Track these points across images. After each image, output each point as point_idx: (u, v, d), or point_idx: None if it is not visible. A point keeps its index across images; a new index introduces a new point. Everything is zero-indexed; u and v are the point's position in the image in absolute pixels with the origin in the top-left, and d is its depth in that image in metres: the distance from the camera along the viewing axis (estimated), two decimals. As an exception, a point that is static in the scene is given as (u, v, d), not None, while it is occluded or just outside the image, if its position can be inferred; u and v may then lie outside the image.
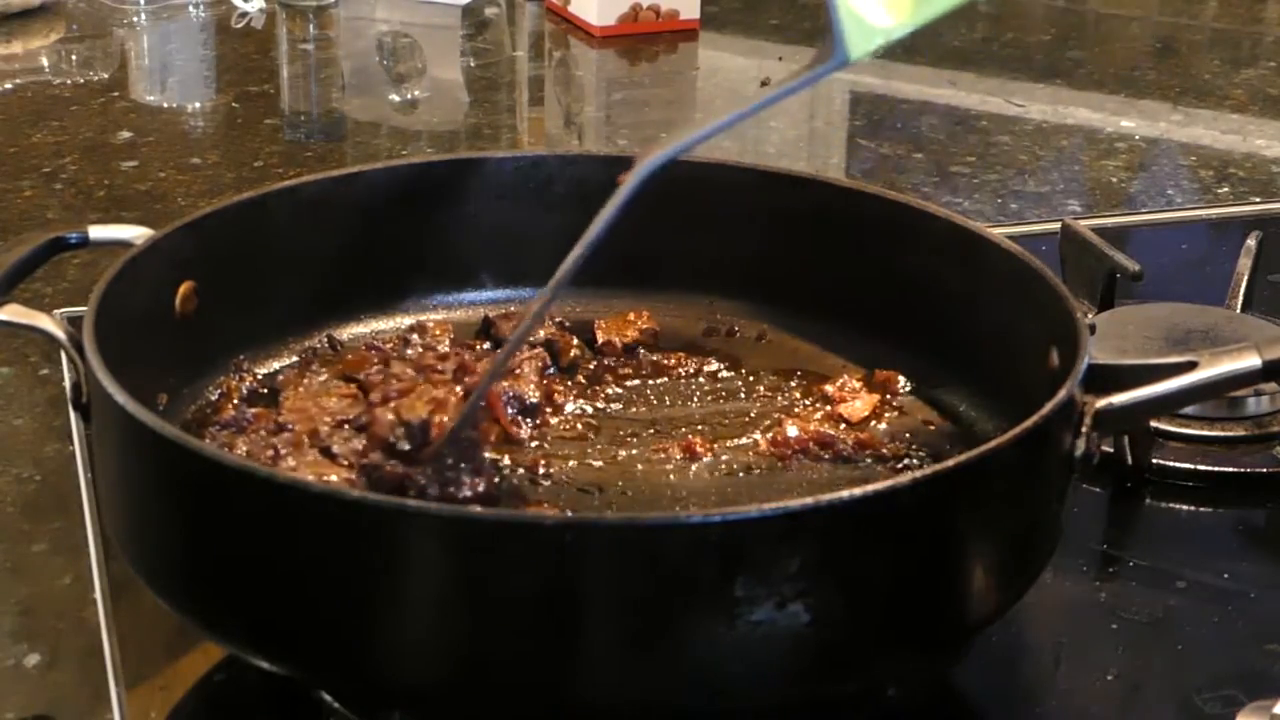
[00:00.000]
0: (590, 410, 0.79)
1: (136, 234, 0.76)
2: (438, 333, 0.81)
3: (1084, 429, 0.65)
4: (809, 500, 0.58)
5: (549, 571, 0.56)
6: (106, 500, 0.68)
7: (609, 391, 0.81)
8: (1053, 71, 1.52)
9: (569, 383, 0.81)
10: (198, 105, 1.41)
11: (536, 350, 0.81)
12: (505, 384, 0.77)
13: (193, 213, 0.78)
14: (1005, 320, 0.75)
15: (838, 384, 0.80)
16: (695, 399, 0.80)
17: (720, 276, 0.86)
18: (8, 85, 1.41)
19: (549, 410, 0.78)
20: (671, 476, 0.74)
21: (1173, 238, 1.14)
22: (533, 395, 0.77)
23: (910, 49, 1.58)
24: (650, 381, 0.82)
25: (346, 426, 0.70)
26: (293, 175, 1.04)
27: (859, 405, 0.78)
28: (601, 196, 0.86)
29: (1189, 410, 0.85)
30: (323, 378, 0.77)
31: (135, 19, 1.60)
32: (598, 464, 0.75)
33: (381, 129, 1.37)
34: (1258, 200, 1.22)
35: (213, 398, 0.77)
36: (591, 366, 0.83)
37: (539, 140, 1.38)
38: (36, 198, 1.16)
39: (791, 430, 0.76)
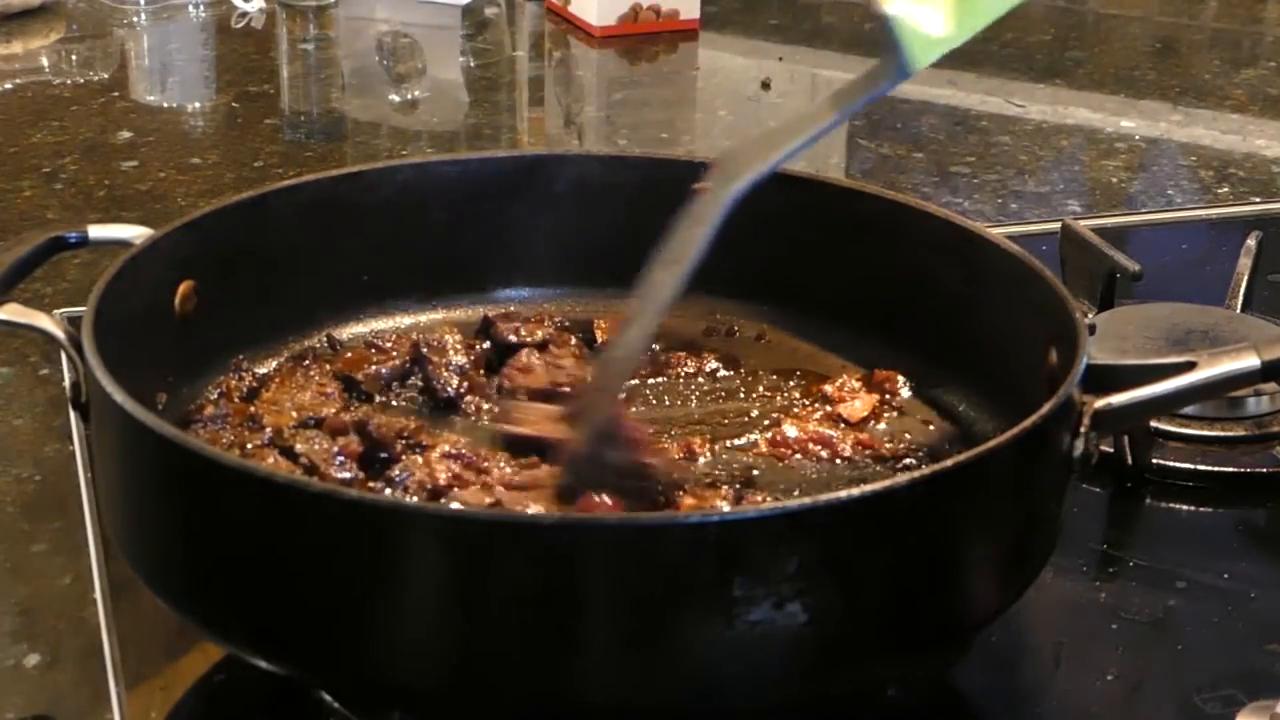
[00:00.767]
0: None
1: (136, 234, 0.76)
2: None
3: (1083, 429, 0.65)
4: (807, 500, 0.58)
5: (547, 571, 0.56)
6: (106, 500, 0.68)
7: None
8: (1053, 71, 1.52)
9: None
10: (198, 105, 1.41)
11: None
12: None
13: (192, 212, 0.78)
14: (1005, 320, 0.75)
15: (837, 384, 0.80)
16: (694, 399, 0.80)
17: (720, 276, 0.85)
18: (8, 85, 1.41)
19: None
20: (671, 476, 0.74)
21: (1173, 238, 1.14)
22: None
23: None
24: (649, 381, 0.82)
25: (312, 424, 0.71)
26: (293, 175, 1.04)
27: (858, 405, 0.78)
28: (601, 196, 0.86)
29: (1189, 410, 0.85)
30: (312, 374, 0.77)
31: (135, 19, 1.60)
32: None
33: (381, 129, 1.37)
34: (1258, 200, 1.22)
35: (212, 397, 0.77)
36: None
37: (539, 140, 1.38)
38: (36, 198, 1.16)
39: (791, 430, 0.76)
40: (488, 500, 0.66)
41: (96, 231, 0.77)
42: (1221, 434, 0.86)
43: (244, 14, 1.60)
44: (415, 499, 0.66)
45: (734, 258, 0.85)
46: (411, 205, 0.84)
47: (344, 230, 0.82)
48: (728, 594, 0.56)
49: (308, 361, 0.80)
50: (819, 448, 0.75)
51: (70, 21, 1.57)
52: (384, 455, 0.70)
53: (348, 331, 0.84)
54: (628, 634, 0.57)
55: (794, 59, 1.55)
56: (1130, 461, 0.82)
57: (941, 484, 0.59)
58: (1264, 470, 0.84)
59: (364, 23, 1.61)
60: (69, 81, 1.42)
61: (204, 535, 0.61)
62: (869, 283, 0.82)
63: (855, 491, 0.58)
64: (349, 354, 0.81)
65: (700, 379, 0.82)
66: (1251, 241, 1.01)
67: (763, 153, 0.69)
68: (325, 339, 0.83)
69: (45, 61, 1.48)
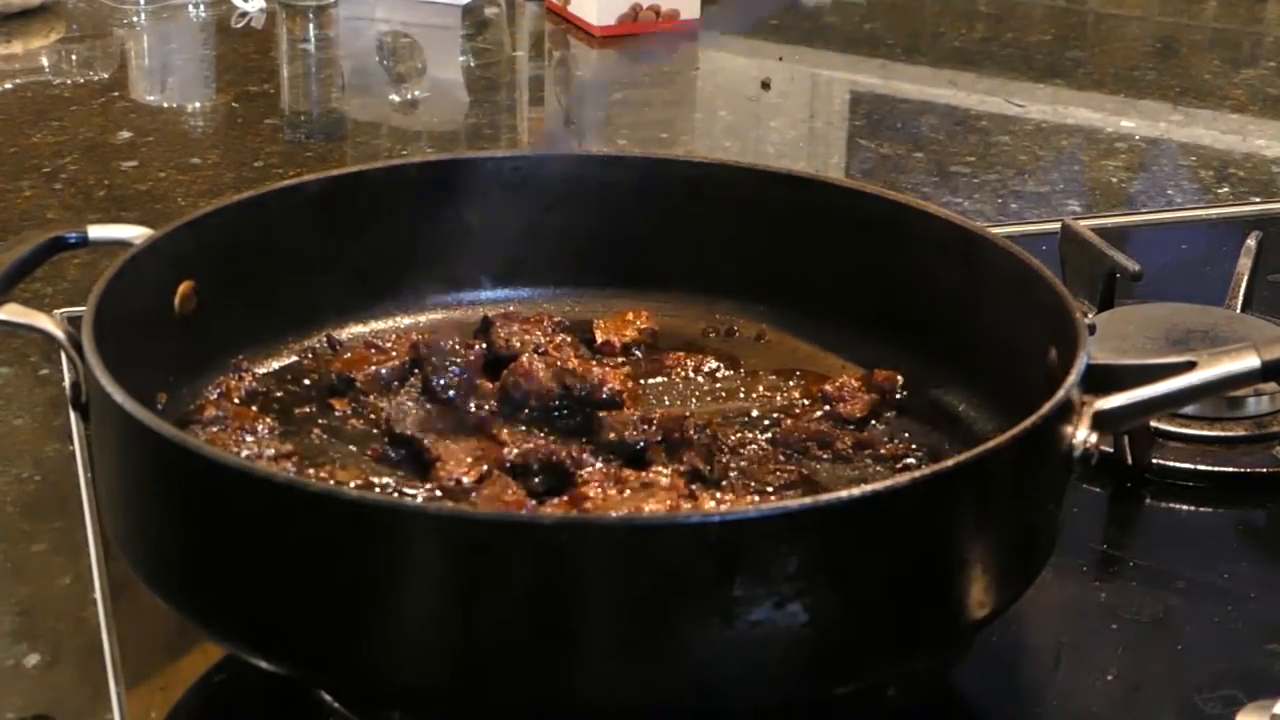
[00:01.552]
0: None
1: (136, 234, 0.76)
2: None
3: (1083, 429, 0.65)
4: (807, 500, 0.58)
5: (546, 571, 0.56)
6: (106, 500, 0.68)
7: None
8: (1053, 71, 1.52)
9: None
10: (198, 105, 1.41)
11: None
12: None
13: (192, 212, 0.78)
14: (1005, 320, 0.75)
15: (837, 384, 0.80)
16: (694, 399, 0.80)
17: (720, 276, 0.86)
18: (8, 85, 1.41)
19: None
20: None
21: (1173, 238, 1.14)
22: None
23: (910, 49, 1.58)
24: (649, 381, 0.81)
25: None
26: (293, 175, 1.04)
27: (858, 405, 0.78)
28: (602, 196, 0.86)
29: (1189, 410, 0.85)
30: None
31: (135, 19, 1.60)
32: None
33: (381, 129, 1.37)
34: (1258, 200, 1.22)
35: (212, 397, 0.77)
36: None
37: (539, 140, 1.38)
38: (36, 198, 1.16)
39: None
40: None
41: (96, 231, 0.77)
42: (1221, 434, 0.86)
43: (244, 14, 1.60)
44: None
45: (734, 257, 0.86)
46: (413, 204, 0.84)
47: (344, 230, 0.82)
48: (728, 594, 0.56)
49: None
50: (819, 448, 0.75)
51: (70, 21, 1.57)
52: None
53: (347, 332, 0.84)
54: (627, 634, 0.57)
55: (794, 59, 1.55)
56: (1130, 461, 0.82)
57: (941, 484, 0.59)
58: (1264, 470, 0.84)
59: (364, 23, 1.61)
60: (69, 81, 1.42)
61: (203, 535, 0.61)
62: (869, 283, 0.82)
63: (855, 491, 0.58)
64: (349, 354, 0.81)
65: (700, 379, 0.82)
66: (1251, 241, 1.01)
67: None
68: (325, 339, 0.83)
69: (45, 61, 1.48)
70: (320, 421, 0.77)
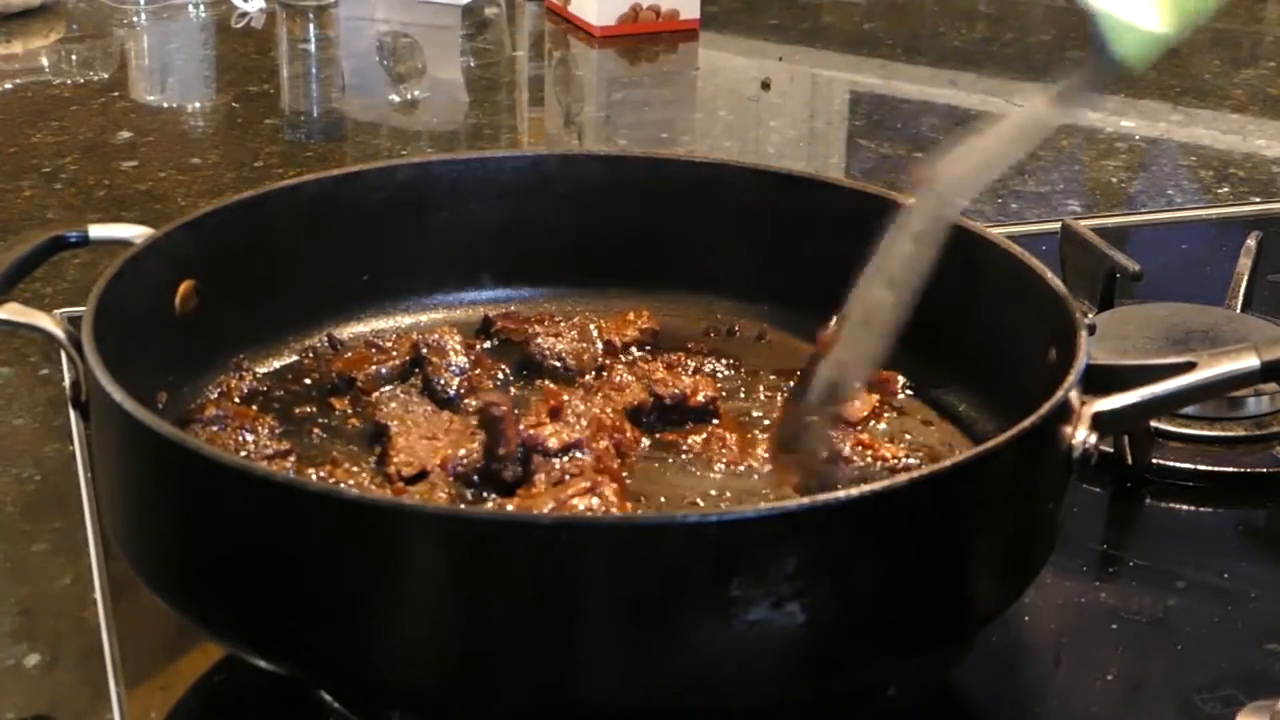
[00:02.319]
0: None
1: (137, 233, 0.76)
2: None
3: (1082, 430, 0.65)
4: (804, 500, 0.58)
5: (545, 571, 0.56)
6: (106, 499, 0.68)
7: (608, 391, 0.81)
8: (1053, 71, 1.52)
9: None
10: (198, 105, 1.41)
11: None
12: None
13: (193, 212, 0.78)
14: (1005, 320, 0.75)
15: (837, 384, 0.80)
16: (695, 399, 0.80)
17: (721, 276, 0.86)
18: (8, 85, 1.41)
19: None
20: (672, 475, 0.74)
21: (1173, 238, 1.14)
22: None
23: (910, 49, 1.58)
24: (650, 381, 0.81)
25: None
26: (293, 175, 1.04)
27: (858, 405, 0.78)
28: (603, 196, 0.86)
29: (1189, 410, 0.85)
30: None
31: (135, 19, 1.60)
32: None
33: (381, 129, 1.37)
34: (1258, 200, 1.22)
35: (213, 396, 0.77)
36: None
37: (539, 140, 1.38)
38: (36, 198, 1.16)
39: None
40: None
41: (97, 231, 0.77)
42: (1221, 434, 0.86)
43: (244, 14, 1.60)
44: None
45: (735, 257, 0.86)
46: (412, 205, 0.84)
47: (345, 230, 0.82)
48: (725, 594, 0.56)
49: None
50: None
51: (70, 21, 1.57)
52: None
53: (348, 331, 0.84)
54: (626, 634, 0.57)
55: (794, 59, 1.55)
56: (1130, 461, 0.82)
57: (939, 484, 0.59)
58: (1264, 470, 0.84)
59: (364, 23, 1.61)
60: (69, 81, 1.42)
61: (202, 534, 0.61)
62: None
63: (853, 492, 0.58)
64: (349, 354, 0.81)
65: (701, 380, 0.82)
66: (1251, 241, 1.01)
67: (979, 168, 0.68)
68: (326, 338, 0.83)
69: (45, 61, 1.48)
70: (320, 421, 0.77)
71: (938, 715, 0.69)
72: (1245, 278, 0.98)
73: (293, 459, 0.72)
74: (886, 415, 0.79)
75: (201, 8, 1.62)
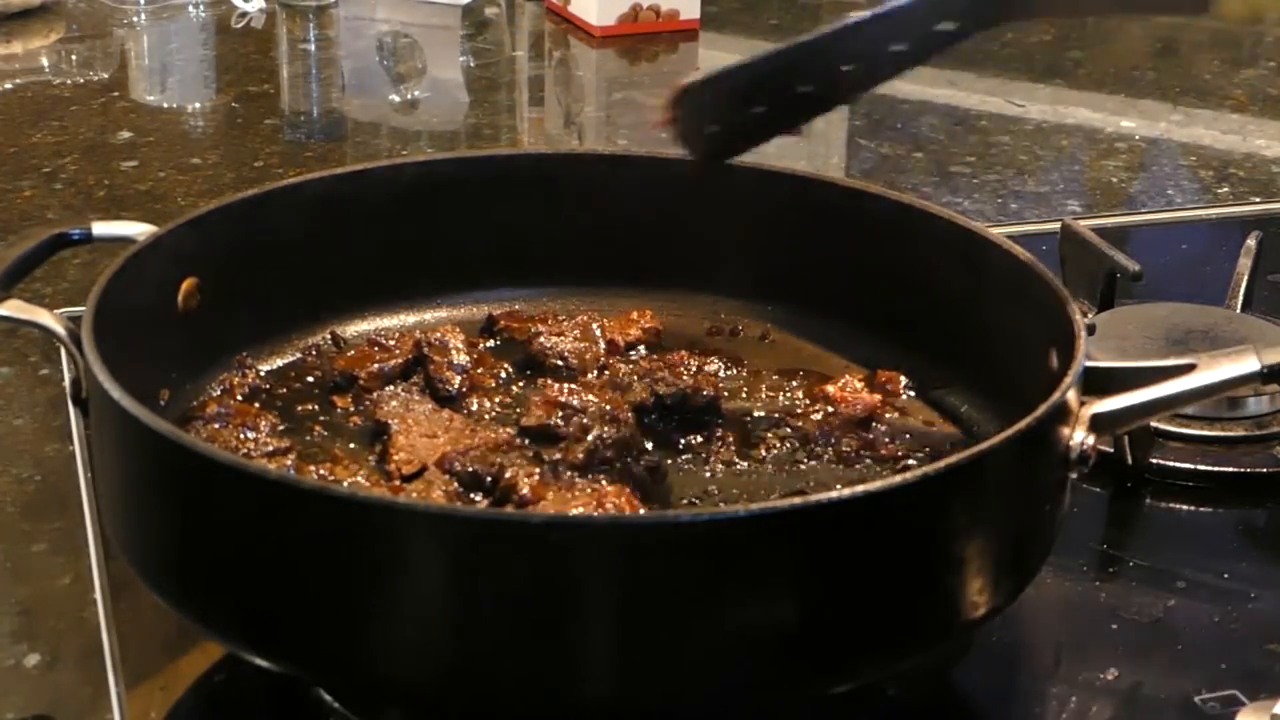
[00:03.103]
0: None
1: (140, 230, 0.76)
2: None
3: (1081, 431, 0.65)
4: (797, 500, 0.58)
5: (536, 570, 0.56)
6: (105, 496, 0.68)
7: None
8: (1053, 71, 1.52)
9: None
10: (198, 105, 1.41)
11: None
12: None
13: (196, 209, 0.78)
14: (1006, 321, 0.75)
15: (839, 384, 0.80)
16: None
17: (724, 276, 0.86)
18: (8, 85, 1.41)
19: None
20: (672, 475, 0.74)
21: (1173, 238, 1.14)
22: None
23: (910, 49, 1.58)
24: (651, 381, 0.81)
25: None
26: (293, 175, 1.04)
27: (860, 406, 0.78)
28: (605, 195, 0.86)
29: (1189, 410, 0.85)
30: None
31: (135, 19, 1.60)
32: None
33: (381, 129, 1.37)
34: (1258, 200, 1.22)
35: (215, 394, 0.77)
36: None
37: (539, 140, 1.38)
38: (36, 197, 1.16)
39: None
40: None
41: (100, 228, 0.77)
42: (1221, 434, 0.86)
43: (244, 14, 1.60)
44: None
45: (738, 257, 0.86)
46: (415, 203, 0.84)
47: (348, 228, 0.83)
48: (718, 594, 0.56)
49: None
50: (821, 447, 0.75)
51: (70, 21, 1.57)
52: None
53: (351, 329, 0.84)
54: (618, 633, 0.57)
55: (794, 59, 1.55)
56: (1130, 461, 0.82)
57: (934, 485, 0.59)
58: (1264, 470, 0.84)
59: (364, 23, 1.61)
60: (69, 81, 1.42)
61: (200, 532, 0.61)
62: (871, 283, 0.82)
63: (845, 492, 0.58)
64: (352, 352, 0.81)
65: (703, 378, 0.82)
66: (1251, 241, 1.01)
67: None
68: (329, 336, 0.83)
69: (45, 61, 1.48)
70: (322, 419, 0.77)
71: (938, 715, 0.69)
72: (1245, 278, 0.98)
73: (293, 457, 0.72)
74: (888, 415, 0.79)
75: (201, 8, 1.61)
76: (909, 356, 0.81)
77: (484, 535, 0.57)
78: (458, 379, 0.78)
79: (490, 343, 0.84)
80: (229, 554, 0.60)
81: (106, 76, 1.44)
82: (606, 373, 0.80)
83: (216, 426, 0.73)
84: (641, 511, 0.66)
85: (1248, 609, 0.75)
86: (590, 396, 0.75)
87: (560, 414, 0.73)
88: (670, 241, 0.86)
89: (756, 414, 0.79)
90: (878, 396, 0.79)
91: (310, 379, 0.80)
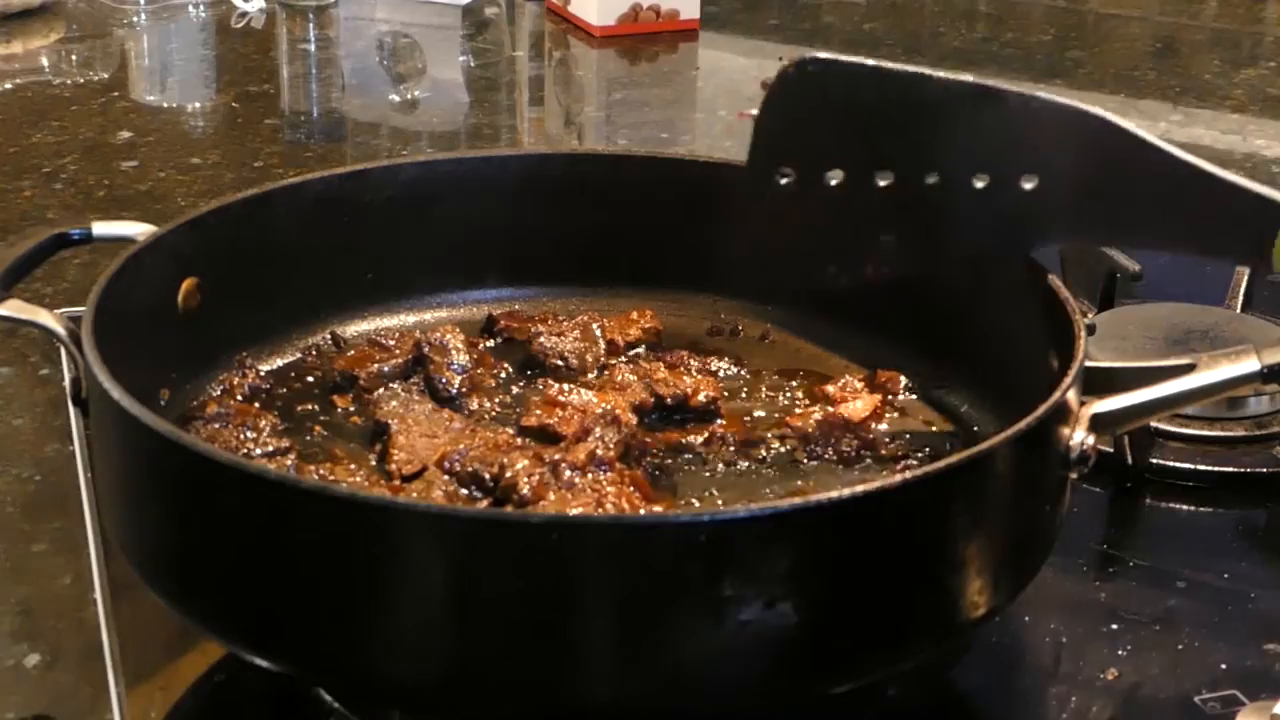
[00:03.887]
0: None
1: (140, 230, 0.76)
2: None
3: (1080, 431, 0.65)
4: (797, 500, 0.58)
5: (536, 570, 0.56)
6: (105, 495, 0.68)
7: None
8: (1053, 71, 1.52)
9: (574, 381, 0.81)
10: (198, 105, 1.41)
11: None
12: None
13: (197, 209, 0.78)
14: (1006, 321, 0.75)
15: (839, 384, 0.80)
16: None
17: (724, 276, 0.86)
18: (8, 85, 1.41)
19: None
20: (672, 475, 0.74)
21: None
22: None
23: (910, 49, 1.58)
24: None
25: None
26: (293, 175, 1.04)
27: (860, 405, 0.78)
28: (606, 195, 0.86)
29: (1189, 410, 0.85)
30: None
31: (135, 19, 1.60)
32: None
33: (381, 129, 1.37)
34: (1258, 200, 1.21)
35: (215, 394, 0.77)
36: None
37: (539, 140, 1.38)
38: (36, 198, 1.16)
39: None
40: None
41: (101, 228, 0.77)
42: (1221, 434, 0.86)
43: (244, 14, 1.60)
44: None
45: (738, 257, 0.86)
46: (416, 203, 0.84)
47: (348, 228, 0.83)
48: (718, 594, 0.56)
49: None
50: (821, 447, 0.75)
51: (70, 21, 1.57)
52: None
53: (352, 329, 0.84)
54: (618, 633, 0.57)
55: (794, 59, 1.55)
56: (1130, 461, 0.82)
57: (934, 485, 0.59)
58: (1264, 470, 0.84)
59: (364, 23, 1.61)
60: (69, 81, 1.42)
61: (200, 532, 0.61)
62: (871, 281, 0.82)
63: (845, 492, 0.58)
64: (352, 352, 0.81)
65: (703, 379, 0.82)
66: (1252, 241, 1.01)
67: None
68: (329, 336, 0.83)
69: (45, 61, 1.48)
70: (322, 419, 0.77)
71: (938, 715, 0.69)
72: (1245, 278, 0.98)
73: (293, 457, 0.72)
74: (888, 415, 0.79)
75: (201, 8, 1.62)
76: (909, 356, 0.81)
77: (484, 535, 0.57)
78: (458, 379, 0.78)
79: (490, 343, 0.84)
80: (229, 554, 0.60)
81: (106, 76, 1.44)
82: (606, 372, 0.80)
83: (216, 426, 0.73)
84: (642, 511, 0.66)
85: (1248, 609, 0.75)
86: (590, 397, 0.75)
87: (560, 414, 0.74)
88: (671, 241, 0.86)
89: (756, 414, 0.79)
90: (878, 396, 0.79)
91: (310, 379, 0.80)
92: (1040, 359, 0.71)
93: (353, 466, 0.72)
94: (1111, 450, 0.82)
